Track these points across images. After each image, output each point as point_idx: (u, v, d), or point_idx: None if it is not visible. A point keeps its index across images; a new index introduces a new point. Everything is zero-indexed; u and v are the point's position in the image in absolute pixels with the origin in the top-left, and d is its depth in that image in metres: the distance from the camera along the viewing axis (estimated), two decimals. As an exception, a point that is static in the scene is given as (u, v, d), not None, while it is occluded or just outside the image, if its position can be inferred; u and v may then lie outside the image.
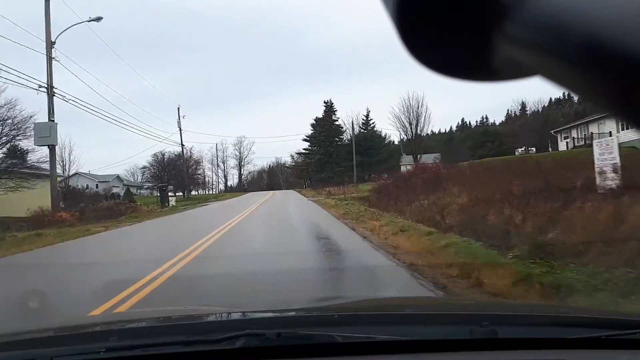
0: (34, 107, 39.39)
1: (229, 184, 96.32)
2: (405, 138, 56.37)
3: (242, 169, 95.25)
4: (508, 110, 77.53)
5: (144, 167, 60.54)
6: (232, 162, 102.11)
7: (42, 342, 1.50)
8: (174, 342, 1.42)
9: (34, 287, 6.37)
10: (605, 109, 0.32)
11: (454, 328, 1.59)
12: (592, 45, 0.29)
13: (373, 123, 68.44)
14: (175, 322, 1.94)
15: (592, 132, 30.68)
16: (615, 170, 9.98)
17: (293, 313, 2.03)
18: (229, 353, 1.36)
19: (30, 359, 1.37)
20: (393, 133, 67.94)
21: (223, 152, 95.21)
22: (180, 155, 52.48)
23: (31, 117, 21.84)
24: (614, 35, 0.28)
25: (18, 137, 22.49)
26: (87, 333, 1.73)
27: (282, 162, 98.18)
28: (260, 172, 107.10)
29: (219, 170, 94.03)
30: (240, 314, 2.10)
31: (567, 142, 37.37)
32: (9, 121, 21.69)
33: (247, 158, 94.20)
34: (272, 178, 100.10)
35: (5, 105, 21.28)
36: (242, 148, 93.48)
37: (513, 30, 0.35)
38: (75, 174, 52.46)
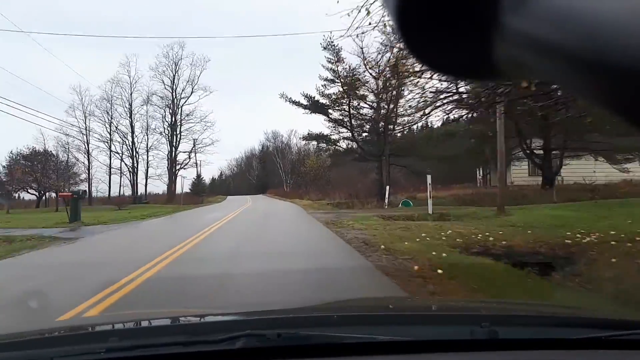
0: None
1: (154, 175, 40.77)
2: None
3: (177, 138, 39.46)
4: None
5: None
6: (157, 123, 42.87)
7: (42, 343, 1.50)
8: (174, 342, 1.42)
9: None
10: (605, 111, 0.32)
11: (455, 328, 1.59)
12: (593, 46, 0.29)
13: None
14: (175, 322, 1.94)
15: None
16: None
17: (293, 314, 2.03)
18: (229, 353, 1.35)
19: (30, 359, 1.37)
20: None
21: (129, 91, 38.87)
22: None
23: None
24: (615, 36, 0.28)
25: None
26: (87, 333, 1.73)
27: (286, 139, 49.42)
28: (249, 158, 64.80)
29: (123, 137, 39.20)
30: (241, 314, 2.10)
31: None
32: None
33: (187, 103, 40.28)
34: (267, 169, 57.21)
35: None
36: (176, 78, 39.43)
37: (514, 30, 0.35)
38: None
